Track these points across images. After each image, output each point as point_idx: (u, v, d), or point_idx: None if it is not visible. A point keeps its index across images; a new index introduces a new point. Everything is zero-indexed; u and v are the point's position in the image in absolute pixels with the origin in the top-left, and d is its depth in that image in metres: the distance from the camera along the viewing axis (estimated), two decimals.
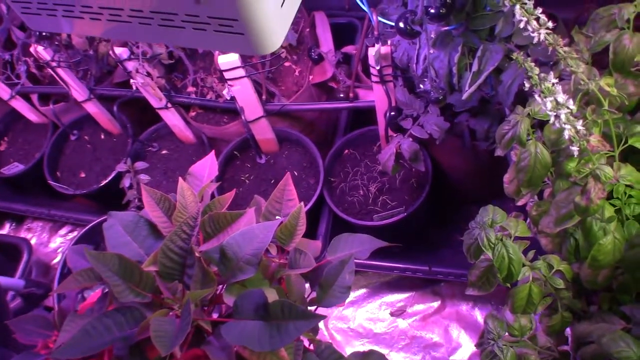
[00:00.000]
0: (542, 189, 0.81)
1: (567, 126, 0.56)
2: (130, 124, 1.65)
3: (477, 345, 0.76)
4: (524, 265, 0.66)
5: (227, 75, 1.22)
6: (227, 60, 1.19)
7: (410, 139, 1.12)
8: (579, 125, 0.57)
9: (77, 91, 1.60)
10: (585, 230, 0.68)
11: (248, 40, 0.55)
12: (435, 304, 1.46)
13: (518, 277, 0.65)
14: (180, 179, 0.85)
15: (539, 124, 0.72)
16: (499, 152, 0.73)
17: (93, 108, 1.65)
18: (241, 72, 1.22)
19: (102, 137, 1.74)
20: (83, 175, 1.69)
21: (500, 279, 0.65)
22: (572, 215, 0.63)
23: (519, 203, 0.83)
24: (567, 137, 0.57)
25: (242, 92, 1.27)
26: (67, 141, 1.76)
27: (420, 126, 1.12)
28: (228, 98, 1.33)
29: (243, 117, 1.28)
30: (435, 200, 1.35)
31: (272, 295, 0.76)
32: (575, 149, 0.57)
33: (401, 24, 0.88)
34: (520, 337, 0.73)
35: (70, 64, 1.53)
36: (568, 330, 0.82)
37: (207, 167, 0.88)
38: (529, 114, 0.67)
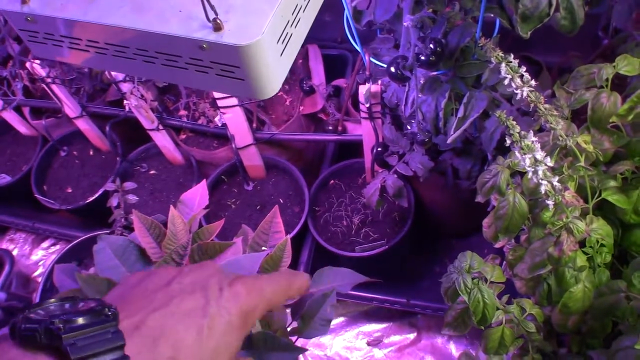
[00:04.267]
0: (519, 234, 0.85)
1: (544, 182, 0.60)
2: (120, 142, 1.67)
3: None
4: (498, 308, 0.70)
5: (220, 103, 1.25)
6: None
7: (395, 176, 1.15)
8: (555, 181, 0.61)
9: (70, 107, 1.61)
10: (557, 277, 0.71)
11: (248, 85, 0.59)
12: (412, 336, 1.48)
13: (492, 320, 0.68)
14: (171, 207, 0.86)
15: (519, 171, 0.76)
16: (479, 199, 0.76)
17: (84, 125, 1.66)
18: (234, 100, 1.25)
19: (91, 153, 1.76)
20: (70, 190, 1.70)
21: (475, 321, 0.68)
22: (545, 264, 0.66)
23: (497, 246, 0.86)
24: (543, 191, 0.61)
25: (233, 119, 1.30)
26: (56, 156, 1.77)
27: (406, 163, 1.16)
28: (219, 124, 1.36)
29: (233, 145, 1.31)
30: (417, 234, 1.39)
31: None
32: (550, 202, 0.61)
33: (392, 69, 0.92)
34: None
35: (64, 81, 1.55)
36: None
37: (198, 195, 0.90)
38: (509, 165, 0.71)
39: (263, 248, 0.90)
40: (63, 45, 0.70)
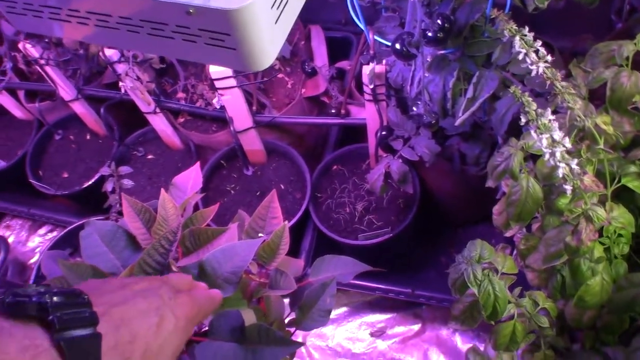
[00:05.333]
0: (531, 223, 0.80)
1: (562, 164, 0.55)
2: (117, 126, 1.62)
3: None
4: (509, 302, 0.65)
5: (217, 84, 1.20)
6: (219, 69, 1.17)
7: (400, 161, 1.10)
8: (574, 164, 0.55)
9: (65, 90, 1.56)
10: (573, 269, 0.66)
11: (240, 55, 0.54)
12: (416, 327, 1.44)
13: (503, 315, 0.63)
14: (162, 190, 0.82)
15: (532, 156, 0.70)
16: (490, 184, 0.71)
17: (80, 108, 1.62)
18: (232, 82, 1.20)
19: (88, 137, 1.71)
20: (66, 175, 1.65)
21: (484, 315, 0.63)
22: (561, 254, 0.61)
23: (507, 235, 0.81)
24: (561, 175, 0.55)
25: (232, 102, 1.25)
26: (52, 140, 1.73)
27: (411, 148, 1.11)
28: (218, 107, 1.31)
29: (232, 128, 1.26)
30: (422, 222, 1.34)
31: (249, 316, 0.73)
32: (568, 187, 0.56)
33: (397, 46, 0.86)
34: None
35: (59, 63, 1.50)
36: None
37: (192, 178, 0.85)
38: (522, 147, 0.65)
39: (260, 235, 0.85)
40: (43, 16, 0.66)
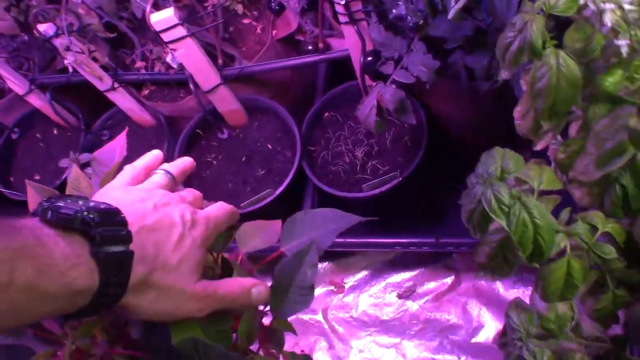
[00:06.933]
0: (568, 123, 0.59)
1: (608, 5, 0.35)
2: (82, 114, 1.45)
3: (499, 346, 0.56)
4: (557, 232, 0.45)
5: (165, 37, 1.01)
6: (161, 17, 0.97)
7: (394, 86, 0.90)
8: (627, 3, 0.35)
9: (15, 83, 1.39)
10: (635, 169, 0.46)
11: None
12: (449, 280, 1.25)
13: (550, 252, 0.44)
14: (74, 166, 0.67)
15: (557, 28, 0.50)
16: (504, 75, 0.51)
17: (37, 101, 1.44)
18: (181, 31, 1.00)
19: (55, 132, 1.54)
20: (37, 177, 1.49)
21: (523, 257, 0.44)
22: (623, 150, 0.42)
23: (538, 147, 0.61)
24: (607, 23, 0.35)
25: (188, 56, 1.06)
26: (19, 143, 1.56)
27: (405, 69, 0.90)
28: (175, 66, 1.12)
29: (191, 85, 1.07)
30: (435, 160, 1.13)
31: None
32: (622, 42, 0.36)
33: None
34: (559, 331, 0.52)
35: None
36: (620, 312, 0.61)
37: (118, 148, 0.68)
38: (542, 9, 0.45)
39: None
40: None
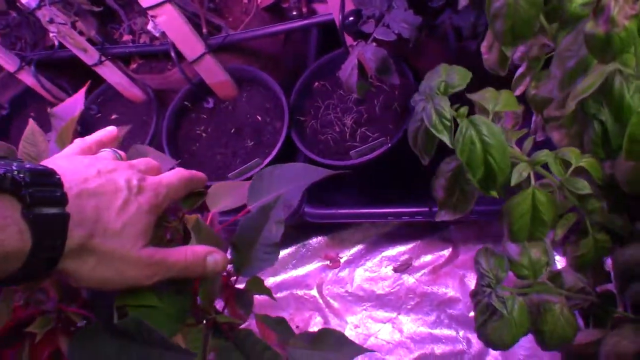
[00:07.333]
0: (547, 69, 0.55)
1: None
2: (73, 91, 1.43)
3: (470, 297, 0.52)
4: (515, 158, 0.41)
5: (144, 2, 0.98)
6: None
7: (374, 44, 0.86)
8: None
9: (6, 61, 1.37)
10: (613, 100, 0.43)
11: None
12: (446, 252, 1.21)
13: (505, 176, 0.40)
14: (30, 121, 0.65)
15: None
16: (463, 3, 0.47)
17: (29, 78, 1.42)
18: None
19: (48, 110, 1.52)
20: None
21: (475, 182, 0.40)
22: (586, 65, 0.38)
23: (517, 92, 0.58)
24: None
25: (170, 23, 1.03)
26: (11, 121, 1.55)
27: (386, 26, 0.87)
28: (157, 34, 1.09)
29: (172, 54, 1.04)
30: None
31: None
32: None
33: None
34: (533, 277, 0.49)
35: None
36: (608, 261, 0.57)
37: (76, 103, 0.66)
38: None
39: None
40: None
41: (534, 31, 0.41)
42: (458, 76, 0.41)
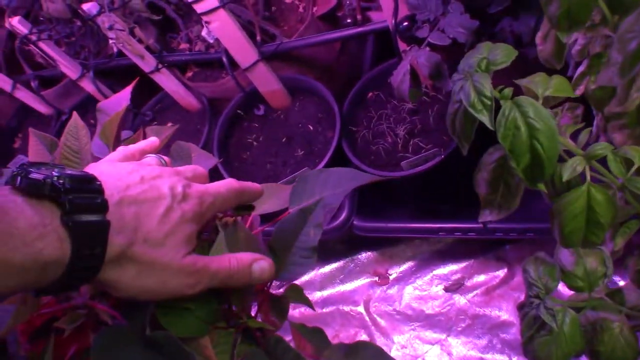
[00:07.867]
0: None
1: None
2: (132, 99, 1.46)
3: (518, 309, 0.48)
4: (572, 153, 0.37)
5: (198, 8, 0.99)
6: None
7: (428, 49, 0.83)
8: None
9: (69, 68, 1.42)
10: None
11: None
12: (501, 273, 1.15)
13: (553, 166, 0.35)
14: (74, 114, 0.65)
15: None
16: None
17: (90, 86, 1.46)
18: (214, 1, 0.98)
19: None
20: None
21: (519, 171, 0.36)
22: None
23: (577, 92, 0.53)
24: None
25: (223, 29, 1.03)
26: None
27: (441, 31, 0.84)
28: (211, 41, 1.09)
29: (224, 59, 1.04)
30: (482, 134, 1.05)
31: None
32: None
33: None
34: (588, 290, 0.44)
35: (59, 40, 1.36)
36: None
37: (122, 99, 0.66)
38: None
39: None
40: None
41: (591, 15, 0.37)
42: (502, 53, 0.38)
